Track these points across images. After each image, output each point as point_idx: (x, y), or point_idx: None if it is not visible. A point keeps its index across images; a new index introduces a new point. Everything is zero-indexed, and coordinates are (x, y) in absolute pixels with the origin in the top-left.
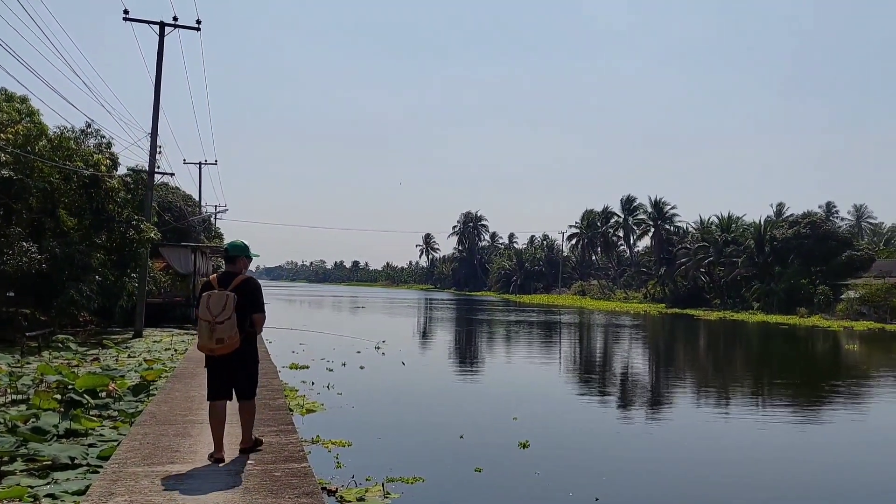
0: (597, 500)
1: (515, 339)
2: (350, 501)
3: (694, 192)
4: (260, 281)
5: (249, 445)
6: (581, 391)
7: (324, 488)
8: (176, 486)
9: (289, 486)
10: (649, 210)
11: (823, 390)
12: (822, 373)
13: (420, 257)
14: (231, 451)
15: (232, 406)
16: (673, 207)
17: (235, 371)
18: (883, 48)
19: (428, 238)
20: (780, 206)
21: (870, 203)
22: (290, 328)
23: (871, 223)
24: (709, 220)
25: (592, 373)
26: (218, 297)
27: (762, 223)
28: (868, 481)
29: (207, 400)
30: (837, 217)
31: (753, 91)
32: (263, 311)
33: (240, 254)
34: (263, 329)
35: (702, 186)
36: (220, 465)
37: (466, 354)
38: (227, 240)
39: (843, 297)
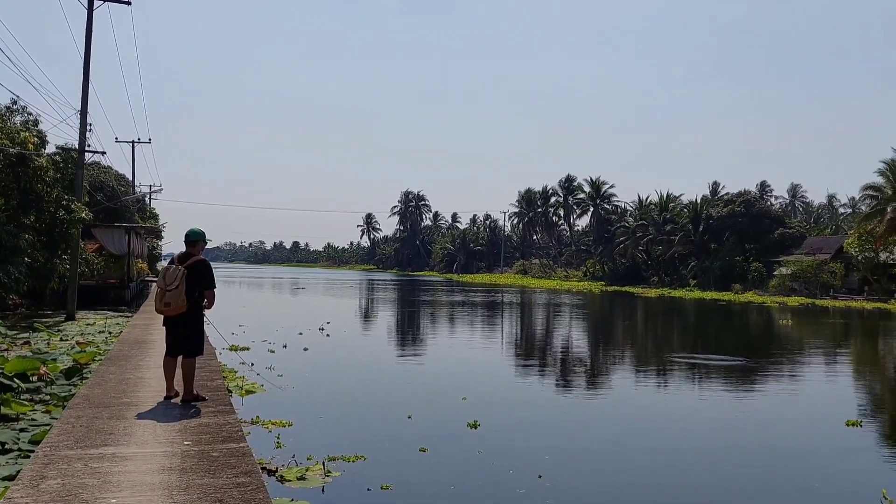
0: (539, 476)
1: (461, 319)
2: (290, 480)
3: (633, 173)
4: None
5: (189, 398)
6: (527, 370)
7: (263, 468)
8: (110, 468)
9: (227, 467)
10: (588, 190)
11: (762, 364)
12: (765, 347)
13: (361, 237)
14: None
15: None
16: (611, 187)
17: (182, 333)
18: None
19: (369, 218)
20: (716, 185)
21: (804, 183)
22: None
23: (804, 202)
24: (647, 199)
25: (539, 352)
26: (173, 271)
27: (699, 202)
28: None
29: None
30: (772, 196)
31: (690, 73)
32: (213, 288)
33: (198, 239)
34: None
35: (641, 167)
36: (173, 400)
37: (413, 335)
38: (162, 220)
39: (775, 273)
